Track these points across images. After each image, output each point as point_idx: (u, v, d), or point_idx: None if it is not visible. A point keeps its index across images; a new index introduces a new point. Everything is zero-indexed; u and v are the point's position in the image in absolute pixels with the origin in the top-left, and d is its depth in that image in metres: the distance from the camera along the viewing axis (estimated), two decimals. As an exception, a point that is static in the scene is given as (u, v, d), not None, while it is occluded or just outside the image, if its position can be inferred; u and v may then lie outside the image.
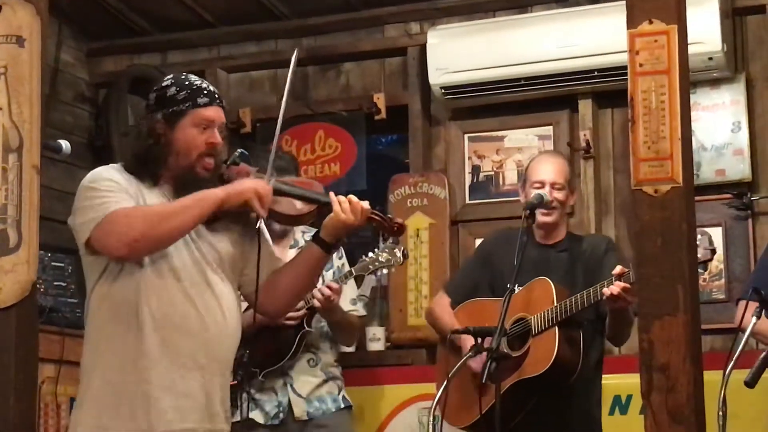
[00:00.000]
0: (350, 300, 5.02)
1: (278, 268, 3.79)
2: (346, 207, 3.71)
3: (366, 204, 3.75)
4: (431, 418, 3.89)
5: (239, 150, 3.80)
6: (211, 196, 3.54)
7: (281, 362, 4.83)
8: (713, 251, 4.17)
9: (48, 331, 5.11)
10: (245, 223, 3.74)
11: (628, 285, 4.11)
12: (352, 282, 4.98)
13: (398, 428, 5.52)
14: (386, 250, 4.77)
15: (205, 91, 3.65)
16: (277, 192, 3.71)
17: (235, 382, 4.53)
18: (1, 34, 2.77)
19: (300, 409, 4.87)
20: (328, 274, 4.93)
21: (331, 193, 3.77)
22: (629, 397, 5.02)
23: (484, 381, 3.93)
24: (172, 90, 3.64)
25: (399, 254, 4.76)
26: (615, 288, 4.14)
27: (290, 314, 4.71)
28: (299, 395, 4.88)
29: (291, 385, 4.87)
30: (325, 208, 3.73)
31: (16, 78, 2.78)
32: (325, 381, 4.94)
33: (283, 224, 3.92)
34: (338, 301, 4.83)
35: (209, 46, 6.72)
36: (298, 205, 3.76)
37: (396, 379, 5.63)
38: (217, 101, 3.68)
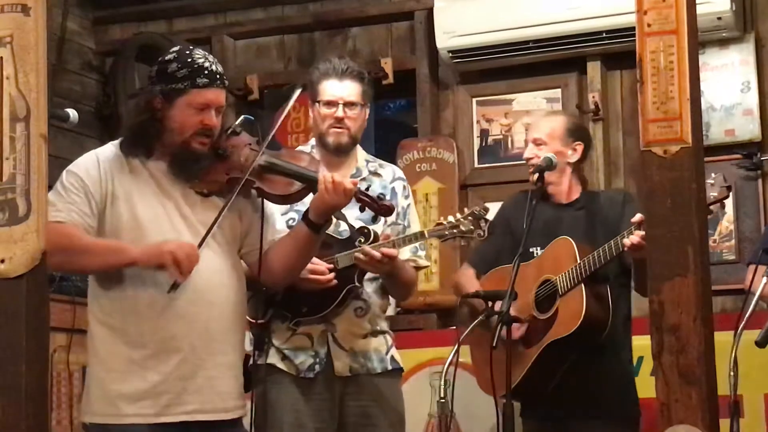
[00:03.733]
0: (411, 248, 4.29)
1: (275, 242, 3.78)
2: (330, 187, 3.67)
3: (349, 183, 3.72)
4: (442, 383, 3.89)
5: (244, 116, 3.78)
6: (126, 254, 3.51)
7: (318, 314, 4.15)
8: (729, 188, 4.11)
9: (59, 300, 5.12)
10: (246, 194, 3.74)
11: None
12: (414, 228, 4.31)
13: (410, 393, 5.49)
14: (470, 218, 4.14)
15: (206, 71, 3.61)
16: (267, 169, 3.70)
17: (263, 321, 4.17)
18: (6, 2, 2.76)
19: (342, 364, 4.17)
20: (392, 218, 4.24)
21: (320, 173, 3.73)
22: (640, 359, 5.02)
23: (495, 346, 3.91)
24: (173, 66, 3.61)
25: (484, 226, 4.12)
26: (635, 237, 4.08)
27: (316, 276, 4.06)
28: (342, 348, 4.18)
29: (333, 335, 4.17)
30: (315, 185, 3.70)
31: (22, 47, 2.77)
32: (372, 334, 4.26)
33: (274, 203, 3.82)
34: (391, 266, 4.11)
35: (216, 13, 6.71)
36: (288, 183, 3.74)
37: (407, 344, 5.62)
38: (218, 82, 3.63)
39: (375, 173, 4.33)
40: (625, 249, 4.13)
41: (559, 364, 4.32)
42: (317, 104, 4.28)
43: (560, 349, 4.30)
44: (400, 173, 4.44)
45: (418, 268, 4.37)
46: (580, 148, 4.52)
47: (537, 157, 4.46)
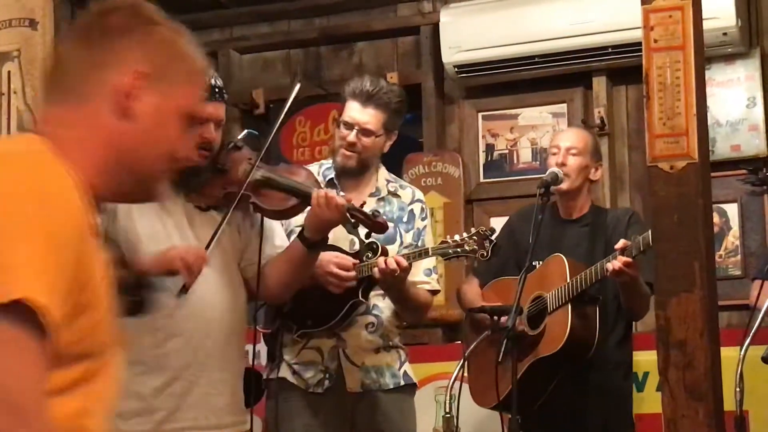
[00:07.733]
0: (424, 270, 4.28)
1: (273, 258, 3.78)
2: (322, 202, 3.68)
3: (342, 200, 3.72)
4: (448, 398, 3.88)
5: (247, 131, 3.79)
6: None
7: (322, 327, 4.13)
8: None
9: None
10: (244, 209, 3.74)
11: (629, 260, 4.09)
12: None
13: (415, 407, 5.53)
14: (475, 237, 4.10)
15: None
16: (262, 184, 3.70)
17: (269, 330, 4.20)
18: (14, 17, 2.78)
19: (354, 380, 4.16)
20: (408, 236, 4.30)
21: (314, 189, 3.75)
22: (646, 374, 5.02)
23: (500, 360, 3.92)
24: None
25: (488, 246, 4.07)
26: (616, 263, 4.10)
27: (339, 271, 4.06)
28: (354, 363, 4.16)
29: (343, 350, 4.16)
30: (311, 201, 3.71)
31: (30, 61, 2.79)
32: (384, 349, 4.23)
33: (269, 218, 3.78)
34: (404, 279, 4.09)
35: (221, 27, 6.71)
36: (284, 198, 3.73)
37: (412, 359, 5.60)
38: (217, 96, 3.64)
39: (394, 194, 4.33)
40: (607, 274, 4.14)
41: (546, 381, 4.33)
42: (339, 121, 4.29)
43: (546, 367, 4.30)
44: (419, 195, 4.43)
45: (432, 291, 4.35)
46: (600, 168, 4.60)
47: (565, 165, 4.47)
